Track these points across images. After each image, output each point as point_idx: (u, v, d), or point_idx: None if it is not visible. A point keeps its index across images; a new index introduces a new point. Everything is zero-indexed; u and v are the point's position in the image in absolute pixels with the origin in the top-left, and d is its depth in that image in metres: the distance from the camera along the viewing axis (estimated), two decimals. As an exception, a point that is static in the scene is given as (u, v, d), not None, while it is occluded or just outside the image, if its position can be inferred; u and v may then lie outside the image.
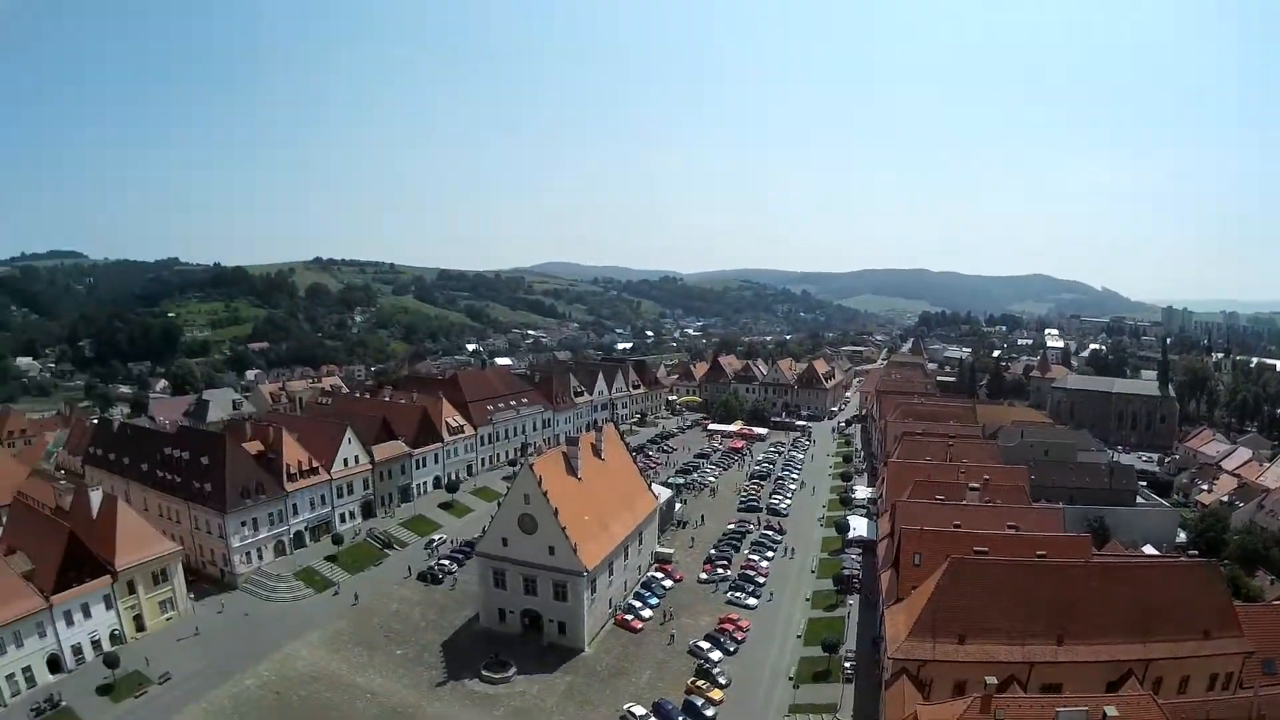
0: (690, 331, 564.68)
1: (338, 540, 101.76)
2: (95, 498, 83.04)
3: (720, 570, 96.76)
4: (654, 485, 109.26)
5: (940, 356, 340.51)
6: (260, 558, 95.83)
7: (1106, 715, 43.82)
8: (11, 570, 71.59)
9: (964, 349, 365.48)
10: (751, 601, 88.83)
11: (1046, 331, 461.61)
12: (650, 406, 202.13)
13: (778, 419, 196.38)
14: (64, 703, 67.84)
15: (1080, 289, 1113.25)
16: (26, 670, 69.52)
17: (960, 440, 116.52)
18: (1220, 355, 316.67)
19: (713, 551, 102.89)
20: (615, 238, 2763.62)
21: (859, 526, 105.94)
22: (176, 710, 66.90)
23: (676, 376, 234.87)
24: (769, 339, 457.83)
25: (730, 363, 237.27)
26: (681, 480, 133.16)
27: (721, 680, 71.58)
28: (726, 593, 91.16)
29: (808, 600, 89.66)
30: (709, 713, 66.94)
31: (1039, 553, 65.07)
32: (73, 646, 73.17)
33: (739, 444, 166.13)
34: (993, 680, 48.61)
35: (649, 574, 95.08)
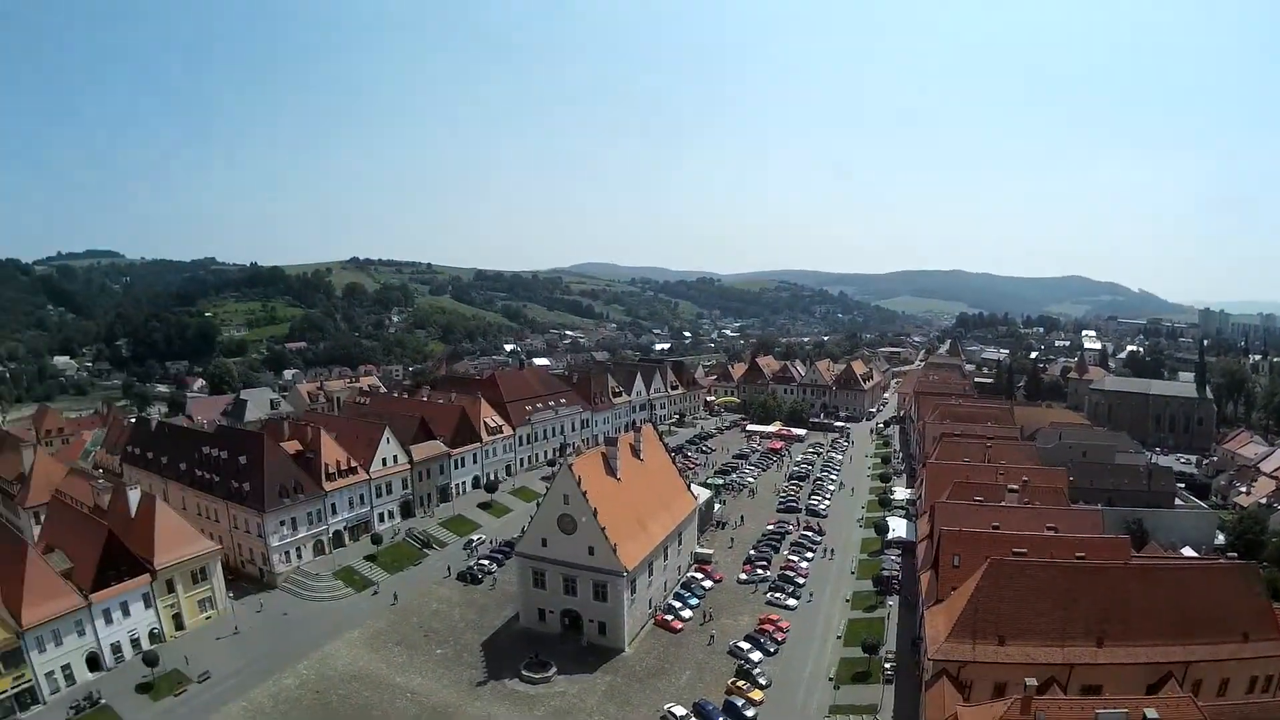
0: (728, 332, 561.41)
1: (377, 540, 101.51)
2: (133, 496, 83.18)
3: (760, 571, 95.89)
4: (693, 486, 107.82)
5: (978, 358, 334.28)
6: (299, 557, 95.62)
7: (1146, 717, 43.69)
8: (50, 568, 71.66)
9: (1001, 350, 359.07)
10: (791, 602, 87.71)
11: (1084, 333, 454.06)
12: (688, 407, 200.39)
13: (816, 420, 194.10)
14: (103, 700, 67.83)
15: (1117, 290, 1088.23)
16: (66, 668, 69.58)
17: (998, 441, 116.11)
18: (1258, 357, 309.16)
19: (752, 552, 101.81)
20: (652, 238, 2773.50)
21: (898, 528, 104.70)
22: (216, 709, 66.78)
23: (715, 377, 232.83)
24: (807, 340, 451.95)
25: (768, 364, 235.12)
26: (720, 481, 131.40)
27: (762, 681, 70.97)
28: (766, 593, 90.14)
29: (847, 601, 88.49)
30: (749, 713, 66.22)
31: (1078, 555, 64.84)
32: (112, 645, 73.22)
33: (777, 445, 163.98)
34: (1033, 682, 48.39)
35: (689, 574, 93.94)
